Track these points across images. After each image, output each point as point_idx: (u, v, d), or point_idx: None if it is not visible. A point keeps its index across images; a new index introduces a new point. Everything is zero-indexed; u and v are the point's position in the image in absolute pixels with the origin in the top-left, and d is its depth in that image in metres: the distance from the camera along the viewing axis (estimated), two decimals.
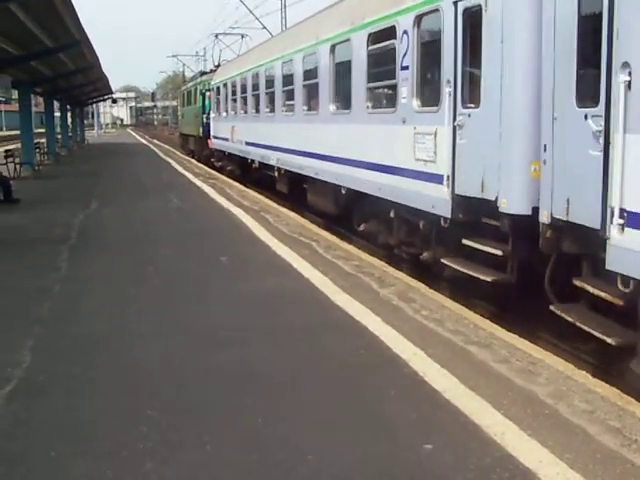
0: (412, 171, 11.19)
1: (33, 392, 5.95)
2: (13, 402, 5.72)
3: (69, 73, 36.54)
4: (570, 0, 7.37)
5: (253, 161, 24.19)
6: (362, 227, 14.20)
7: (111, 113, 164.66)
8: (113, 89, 77.68)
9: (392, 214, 12.34)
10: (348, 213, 15.20)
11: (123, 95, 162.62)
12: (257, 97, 23.28)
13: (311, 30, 17.41)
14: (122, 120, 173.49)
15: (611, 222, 6.79)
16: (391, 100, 12.36)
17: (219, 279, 10.08)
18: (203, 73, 43.47)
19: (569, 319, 7.76)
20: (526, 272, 8.94)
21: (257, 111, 23.35)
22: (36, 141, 35.46)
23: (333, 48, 15.17)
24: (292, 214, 17.01)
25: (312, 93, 16.98)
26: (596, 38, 6.98)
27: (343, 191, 14.69)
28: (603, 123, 6.92)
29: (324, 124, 15.89)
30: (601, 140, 6.96)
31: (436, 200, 10.32)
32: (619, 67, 6.61)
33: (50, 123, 43.50)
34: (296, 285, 9.52)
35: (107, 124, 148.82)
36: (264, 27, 46.03)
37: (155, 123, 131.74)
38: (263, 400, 5.69)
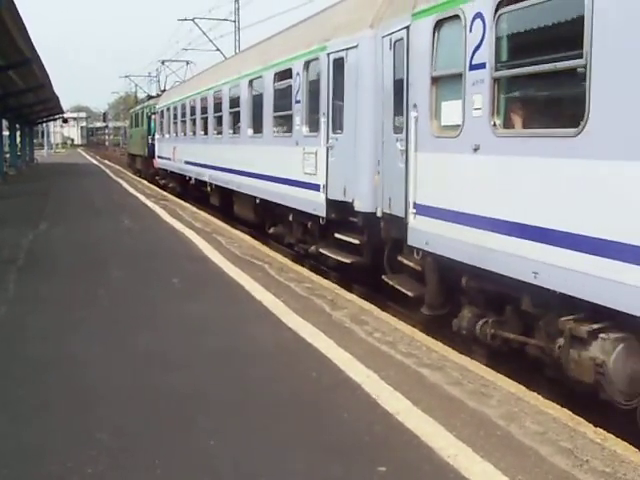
0: (302, 182, 14.04)
1: None
2: None
3: (19, 92, 36.15)
4: (389, 66, 10.68)
5: (190, 178, 27.14)
6: (272, 230, 17.20)
7: (62, 133, 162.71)
8: (64, 109, 77.06)
9: (290, 217, 15.27)
10: (262, 219, 18.17)
11: (74, 115, 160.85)
12: (194, 121, 26.27)
13: (235, 66, 20.91)
14: (73, 140, 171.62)
15: (409, 212, 9.69)
16: (289, 127, 15.20)
17: (170, 301, 9.95)
18: (150, 97, 46.99)
19: (390, 282, 10.82)
20: (376, 254, 11.76)
21: (194, 134, 26.24)
22: None
23: (251, 82, 18.27)
24: (245, 236, 16.94)
25: (236, 119, 19.95)
26: (401, 90, 10.11)
27: (257, 201, 17.65)
28: (405, 145, 9.89)
29: (244, 145, 18.97)
30: (404, 156, 9.91)
31: (316, 204, 13.22)
32: (412, 107, 9.69)
33: None
34: (248, 307, 9.45)
35: (57, 144, 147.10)
36: (217, 49, 46.11)
37: (106, 144, 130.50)
38: (214, 423, 5.61)
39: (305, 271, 12.54)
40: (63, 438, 5.34)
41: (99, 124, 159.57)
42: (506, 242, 7.58)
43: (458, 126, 8.60)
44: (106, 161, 72.38)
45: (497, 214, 7.84)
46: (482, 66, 8.02)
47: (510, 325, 8.22)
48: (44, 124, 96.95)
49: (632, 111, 5.89)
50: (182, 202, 26.07)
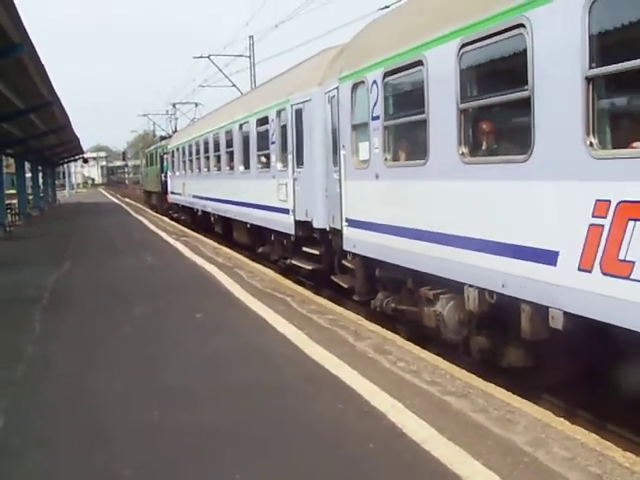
0: (277, 208, 17.24)
1: (5, 453, 5.86)
2: None
3: (40, 134, 36.65)
4: (329, 116, 13.72)
5: (198, 210, 30.59)
6: (260, 249, 20.16)
7: (82, 173, 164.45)
8: (84, 149, 77.90)
9: (272, 237, 18.52)
10: (254, 241, 21.06)
11: (94, 155, 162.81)
12: (199, 160, 29.58)
13: (229, 112, 24.51)
14: (93, 180, 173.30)
15: (343, 225, 12.74)
16: (267, 163, 18.60)
17: (194, 336, 10.01)
18: (162, 138, 51.33)
19: (336, 280, 13.91)
20: (330, 261, 14.57)
21: (199, 170, 29.61)
22: (7, 202, 35.36)
23: (240, 126, 21.61)
24: (266, 270, 17.01)
25: (231, 157, 23.29)
26: (336, 134, 13.19)
27: (248, 225, 20.85)
28: (339, 175, 12.98)
29: (237, 180, 22.28)
30: (338, 183, 12.93)
31: (287, 225, 16.46)
32: (342, 147, 12.78)
33: (21, 184, 43.48)
34: (271, 340, 9.48)
35: (78, 184, 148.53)
36: (233, 85, 46.46)
37: (126, 182, 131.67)
38: (242, 457, 5.63)
39: (328, 303, 12.57)
40: (89, 474, 5.39)
41: (119, 163, 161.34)
42: (408, 244, 10.26)
43: (367, 160, 11.69)
44: (126, 199, 72.95)
45: (393, 222, 10.79)
46: (378, 118, 11.13)
47: (404, 300, 10.95)
48: (65, 165, 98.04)
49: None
50: (203, 238, 26.24)
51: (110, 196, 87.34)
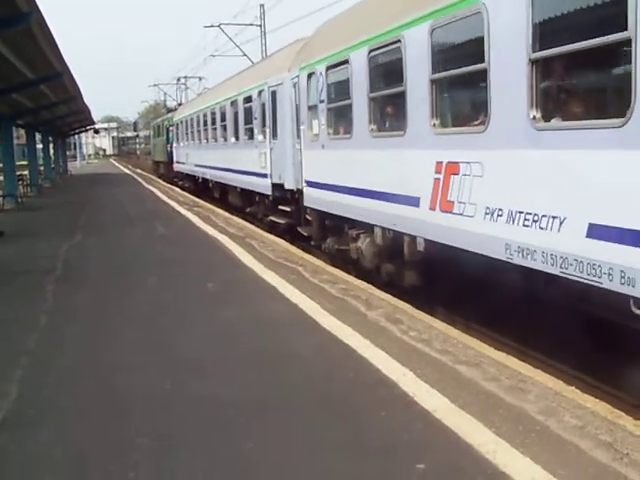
0: (259, 173, 20.61)
1: (21, 423, 5.93)
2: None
3: (51, 105, 36.56)
4: (293, 98, 16.84)
5: (199, 177, 33.91)
6: (248, 209, 23.37)
7: (93, 144, 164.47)
8: (95, 120, 77.74)
9: (257, 199, 21.94)
10: (244, 203, 24.10)
11: (105, 125, 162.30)
12: (199, 132, 32.67)
13: (224, 90, 27.83)
14: (104, 150, 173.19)
15: (303, 186, 15.73)
16: (251, 136, 21.90)
17: (207, 306, 10.06)
18: (169, 111, 55.26)
19: (300, 230, 16.89)
20: (300, 216, 17.22)
21: (200, 142, 32.57)
22: (19, 173, 35.40)
23: (232, 103, 24.78)
24: (278, 240, 17.03)
25: (225, 130, 26.49)
26: (298, 112, 16.36)
27: (239, 189, 24.35)
28: (300, 145, 16.16)
29: (229, 150, 25.39)
30: (300, 152, 16.09)
31: (266, 187, 19.88)
32: (302, 123, 15.83)
33: (32, 155, 43.48)
34: (284, 310, 9.51)
35: (90, 155, 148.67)
36: (244, 54, 46.25)
37: (137, 152, 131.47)
38: (256, 425, 5.67)
39: (339, 272, 12.58)
40: (105, 444, 5.44)
41: (130, 134, 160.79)
42: (342, 198, 13.39)
43: (317, 134, 14.79)
44: (138, 170, 72.99)
45: (334, 182, 13.87)
46: (323, 101, 14.26)
47: (341, 242, 14.04)
48: (76, 136, 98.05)
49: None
50: (214, 208, 26.28)
51: (121, 167, 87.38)
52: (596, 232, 6.58)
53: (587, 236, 6.68)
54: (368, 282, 11.68)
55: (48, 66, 24.80)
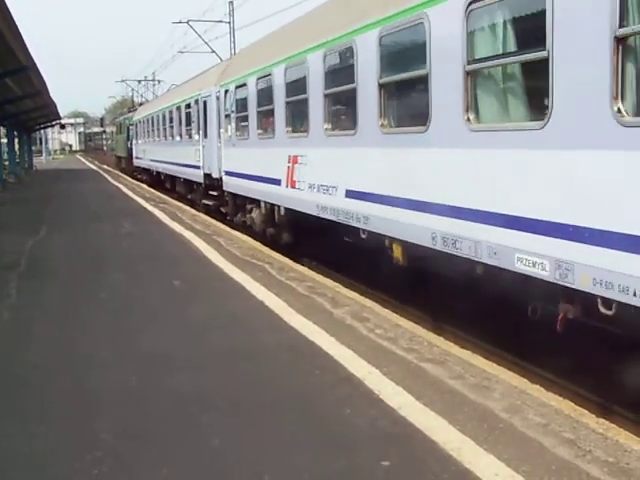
0: (195, 165, 24.71)
1: None
2: None
3: (16, 99, 36.12)
4: (218, 107, 20.77)
5: (154, 171, 37.88)
6: (189, 196, 27.63)
7: (59, 139, 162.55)
8: (61, 115, 77.00)
9: (195, 186, 26.14)
10: (187, 191, 28.26)
11: (71, 121, 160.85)
12: (154, 131, 36.67)
13: (171, 96, 33.04)
14: (71, 146, 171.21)
15: (222, 175, 20.30)
16: (191, 135, 25.86)
17: (172, 304, 9.99)
18: (129, 110, 61.56)
19: (222, 209, 21.33)
20: (223, 199, 21.23)
21: (154, 140, 36.73)
22: None
23: (177, 108, 28.80)
24: (245, 237, 16.98)
25: (172, 130, 30.47)
26: (219, 118, 21.01)
27: (182, 179, 28.70)
28: (220, 144, 20.63)
29: (176, 147, 29.33)
30: (223, 147, 20.40)
31: (199, 176, 24.06)
32: (222, 127, 20.37)
33: None
34: (250, 308, 9.48)
35: (56, 150, 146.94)
36: (213, 51, 46.03)
37: (104, 149, 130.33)
38: (219, 421, 5.64)
39: (306, 270, 12.57)
40: (68, 440, 5.38)
41: (96, 129, 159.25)
42: (244, 182, 17.95)
43: (230, 136, 19.37)
44: (104, 166, 72.35)
45: (240, 171, 18.36)
46: (233, 111, 18.82)
47: (245, 215, 18.25)
48: (42, 131, 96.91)
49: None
50: (181, 205, 26.20)
51: (88, 163, 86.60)
52: (350, 194, 11.36)
53: (345, 197, 11.50)
54: (257, 241, 16.40)
55: (13, 59, 24.48)
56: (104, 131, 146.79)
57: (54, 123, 78.39)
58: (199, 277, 11.80)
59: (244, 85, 17.54)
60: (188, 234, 17.00)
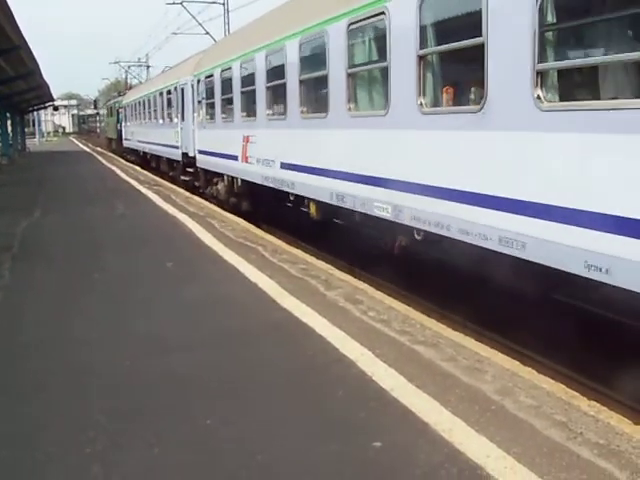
0: (175, 145, 26.94)
1: None
2: None
3: (8, 79, 35.90)
4: (193, 94, 23.49)
5: (141, 151, 39.99)
6: (171, 173, 29.98)
7: (53, 121, 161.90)
8: (55, 97, 76.56)
9: (175, 165, 28.39)
10: (169, 169, 30.67)
11: (65, 102, 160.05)
12: (140, 114, 39.06)
13: (156, 83, 35.22)
14: (64, 128, 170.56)
15: (196, 153, 23.07)
16: (171, 119, 28.06)
17: (165, 285, 9.98)
18: (119, 94, 63.30)
19: (196, 184, 24.17)
20: (200, 176, 23.47)
21: (141, 122, 39.09)
22: None
23: (160, 93, 31.10)
24: (238, 219, 16.94)
25: (156, 114, 32.78)
26: (194, 105, 23.76)
27: (165, 158, 31.08)
28: (194, 126, 23.46)
29: (159, 129, 31.51)
30: (196, 130, 23.16)
31: (178, 155, 26.22)
32: (196, 112, 23.14)
33: None
34: (243, 290, 9.46)
35: (49, 132, 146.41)
36: (207, 32, 45.83)
37: (98, 131, 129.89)
38: (213, 402, 5.64)
39: (299, 253, 12.55)
40: (62, 416, 5.38)
41: (90, 111, 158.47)
42: (211, 159, 20.71)
43: (202, 120, 21.95)
44: (98, 148, 72.01)
45: (209, 149, 21.08)
46: (204, 98, 21.60)
47: (213, 187, 21.20)
48: (35, 113, 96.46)
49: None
50: (175, 187, 26.13)
51: (82, 145, 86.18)
52: (283, 166, 14.28)
53: (280, 168, 14.42)
54: (222, 209, 19.14)
55: (5, 39, 24.31)
56: (98, 113, 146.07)
57: (47, 105, 78.04)
58: (192, 259, 11.78)
59: (212, 76, 20.37)
60: (182, 216, 16.96)
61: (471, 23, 7.69)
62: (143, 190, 24.34)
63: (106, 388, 6.06)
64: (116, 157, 51.08)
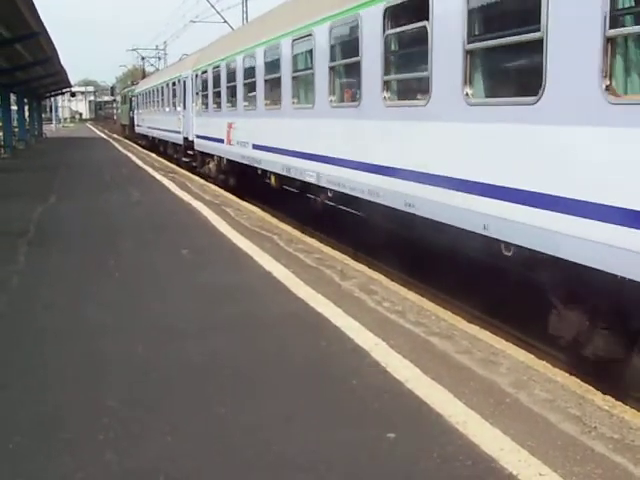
0: (177, 131, 30.83)
1: None
2: None
3: (26, 65, 36.03)
4: (193, 86, 27.38)
5: (151, 137, 43.32)
6: (175, 156, 33.31)
7: (70, 107, 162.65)
8: (72, 83, 76.75)
9: (177, 149, 32.10)
10: (173, 153, 34.25)
11: (82, 89, 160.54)
12: (150, 102, 42.81)
13: (164, 75, 39.10)
14: (81, 114, 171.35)
15: (195, 138, 27.19)
16: (175, 106, 31.59)
17: (180, 272, 10.00)
18: (132, 83, 68.34)
19: (194, 164, 28.61)
20: (197, 157, 27.95)
21: (150, 110, 42.91)
22: None
23: (167, 84, 34.46)
24: (254, 208, 16.98)
25: (163, 102, 36.14)
26: (193, 95, 28.04)
27: (170, 143, 34.69)
28: (193, 114, 27.62)
29: (165, 116, 35.03)
30: (194, 117, 27.37)
31: (180, 139, 30.25)
32: (194, 101, 27.33)
33: (7, 117, 42.86)
34: (258, 278, 9.47)
35: (66, 118, 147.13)
36: (225, 21, 45.78)
37: (114, 117, 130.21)
38: (228, 391, 5.66)
39: (314, 242, 12.56)
40: (76, 407, 5.40)
41: (107, 98, 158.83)
42: (206, 142, 24.80)
43: (198, 109, 26.17)
44: (114, 135, 72.25)
45: (204, 134, 25.22)
46: (200, 90, 25.93)
47: (208, 166, 25.51)
48: (52, 98, 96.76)
49: None
50: (190, 175, 26.24)
51: (98, 131, 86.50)
52: (254, 147, 18.07)
53: (252, 149, 18.19)
54: (214, 184, 22.85)
55: (24, 25, 24.37)
56: (114, 100, 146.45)
57: (64, 91, 78.25)
58: (207, 247, 11.81)
59: (206, 72, 24.40)
60: (197, 204, 16.99)
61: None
62: (158, 177, 24.42)
63: (119, 374, 6.08)
64: (131, 144, 51.37)
